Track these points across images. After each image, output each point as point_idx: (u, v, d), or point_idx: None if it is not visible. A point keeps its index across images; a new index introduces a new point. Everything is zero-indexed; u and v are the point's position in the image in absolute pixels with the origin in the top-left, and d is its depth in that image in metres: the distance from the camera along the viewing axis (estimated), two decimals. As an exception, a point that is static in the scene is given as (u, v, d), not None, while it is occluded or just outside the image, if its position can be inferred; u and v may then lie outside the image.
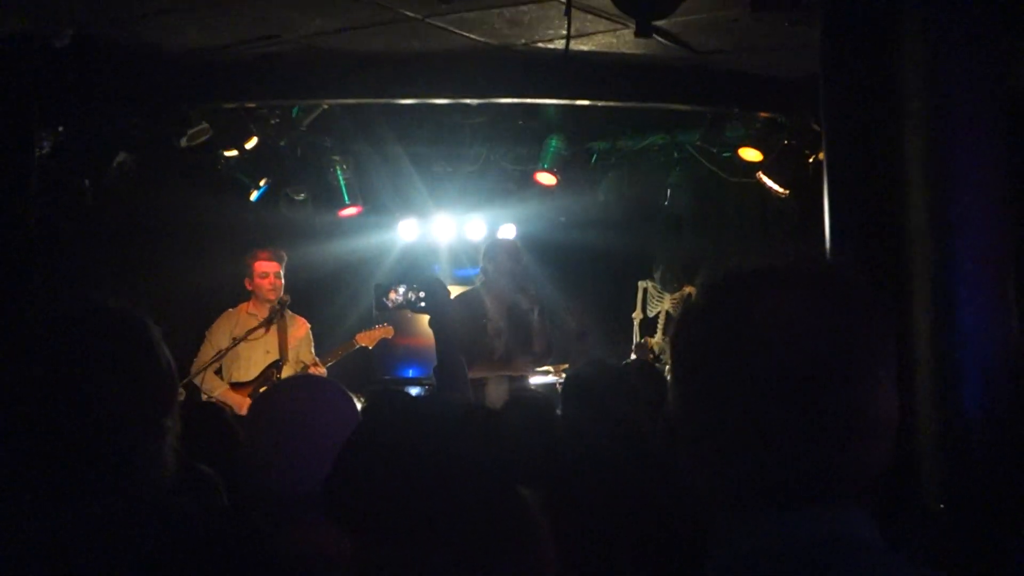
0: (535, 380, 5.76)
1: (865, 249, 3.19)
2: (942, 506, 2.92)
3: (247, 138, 6.21)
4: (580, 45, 5.10)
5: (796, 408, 1.04)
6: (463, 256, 7.86)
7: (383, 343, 6.24)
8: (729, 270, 1.13)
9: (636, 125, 6.85)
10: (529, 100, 5.99)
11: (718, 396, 1.08)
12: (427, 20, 4.79)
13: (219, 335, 5.91)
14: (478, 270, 5.82)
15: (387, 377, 7.46)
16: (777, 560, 1.03)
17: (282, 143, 6.54)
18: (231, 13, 4.65)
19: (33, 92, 4.79)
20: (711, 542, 1.09)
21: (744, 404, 1.05)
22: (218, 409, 3.90)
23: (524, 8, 4.65)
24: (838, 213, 3.31)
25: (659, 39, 4.90)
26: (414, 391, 6.72)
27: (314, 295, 6.77)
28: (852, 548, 1.03)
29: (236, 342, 5.76)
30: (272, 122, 6.24)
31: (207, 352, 5.88)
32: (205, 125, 5.86)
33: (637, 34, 4.31)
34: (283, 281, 5.96)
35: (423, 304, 3.01)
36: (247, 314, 5.96)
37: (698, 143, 6.71)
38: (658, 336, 6.95)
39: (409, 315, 4.71)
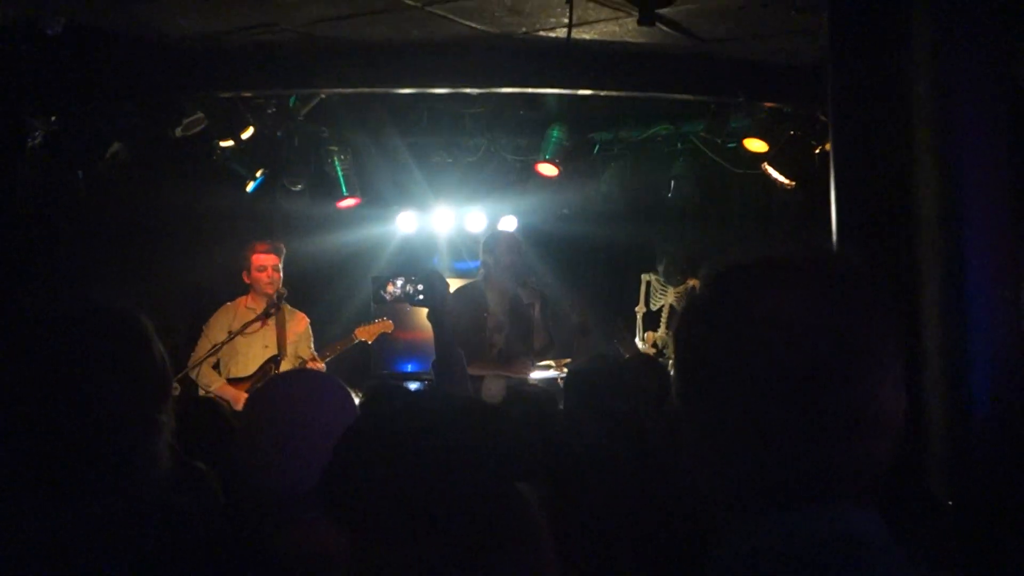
0: (536, 375, 5.72)
1: (872, 241, 3.24)
2: (950, 503, 2.91)
3: (243, 128, 6.17)
4: (582, 33, 5.08)
5: (798, 406, 1.03)
6: (463, 249, 7.82)
7: (382, 337, 6.19)
8: (732, 263, 1.12)
9: (639, 115, 6.81)
10: (530, 89, 5.96)
11: (719, 393, 1.07)
12: (426, 8, 4.79)
13: (216, 329, 5.86)
14: (478, 263, 5.79)
15: (386, 372, 7.42)
16: (778, 559, 1.03)
17: (279, 133, 6.49)
18: (227, 0, 4.61)
19: (25, 81, 4.75)
20: (712, 541, 1.09)
21: (746, 401, 1.05)
22: (214, 404, 3.87)
23: (525, -5, 4.64)
24: (845, 205, 3.33)
25: (662, 27, 4.88)
26: (413, 386, 6.68)
27: (311, 288, 6.75)
28: (854, 547, 1.03)
29: (232, 336, 5.72)
30: (269, 112, 6.18)
31: (204, 347, 5.83)
32: (200, 115, 5.81)
33: (640, 22, 4.34)
34: (281, 274, 5.91)
35: (421, 297, 2.99)
36: (245, 308, 5.91)
37: (702, 133, 6.67)
38: (661, 330, 6.91)
39: (408, 309, 4.66)
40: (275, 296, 5.83)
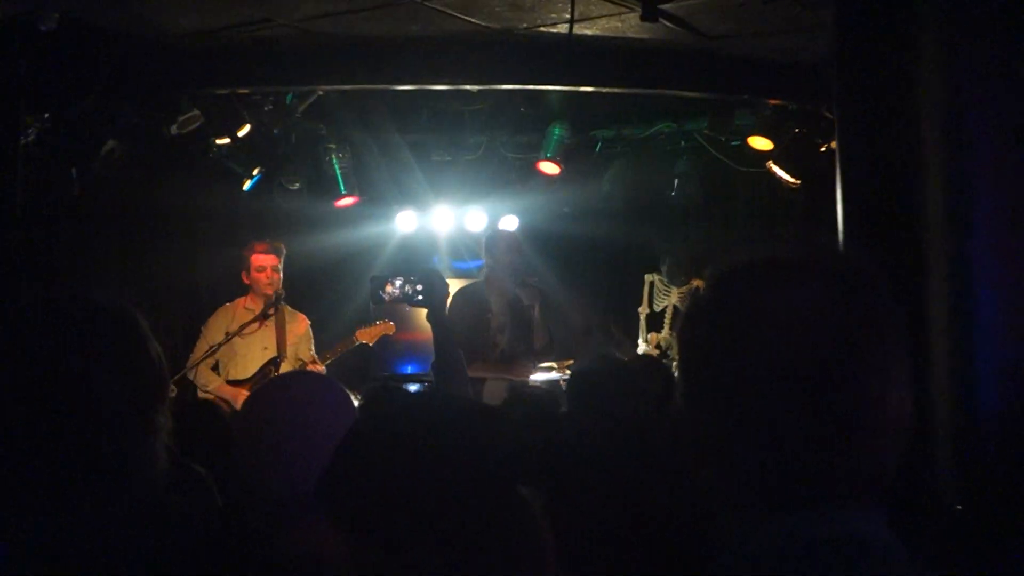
0: (539, 377, 5.69)
1: (879, 241, 3.23)
2: (959, 507, 2.88)
3: (240, 125, 6.14)
4: (584, 29, 5.05)
5: (803, 407, 1.03)
6: (463, 248, 7.81)
7: (382, 339, 6.14)
8: (736, 263, 1.12)
9: (642, 113, 6.80)
10: (531, 86, 5.93)
11: (724, 394, 1.07)
12: (425, 3, 4.76)
13: (214, 330, 5.84)
14: (479, 263, 5.77)
15: (386, 374, 7.40)
16: (782, 561, 1.02)
17: (276, 131, 6.45)
18: (223, -5, 4.60)
19: (18, 78, 4.70)
20: (715, 543, 1.09)
21: (750, 403, 1.05)
22: (213, 407, 3.84)
23: (526, -10, 4.61)
24: (851, 204, 3.31)
25: (665, 23, 4.86)
26: (413, 388, 6.65)
27: (309, 288, 6.74)
28: (858, 549, 1.03)
29: (229, 337, 5.68)
30: (265, 109, 6.15)
31: (201, 348, 5.81)
32: (196, 112, 5.78)
33: (643, 18, 4.34)
34: (281, 275, 5.87)
35: (420, 298, 2.96)
36: (244, 309, 5.89)
37: (706, 131, 6.66)
38: (665, 331, 6.88)
39: (408, 309, 4.63)
40: (273, 296, 5.80)
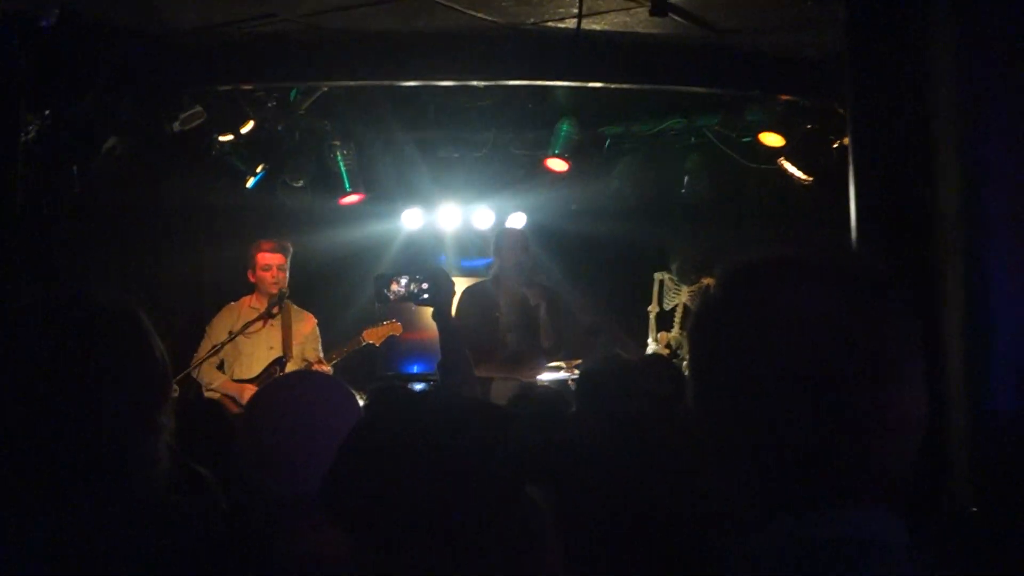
0: (547, 376, 5.66)
1: (892, 239, 3.26)
2: (975, 508, 2.87)
3: (243, 122, 6.10)
4: (592, 24, 5.03)
5: (815, 408, 1.03)
6: (470, 246, 7.81)
7: (388, 338, 6.11)
8: (747, 262, 1.12)
9: (651, 109, 6.76)
10: (539, 82, 5.90)
11: (735, 394, 1.07)
12: (432, -3, 4.71)
13: (219, 329, 5.84)
14: (486, 261, 5.75)
15: (391, 374, 7.38)
16: (792, 563, 1.02)
17: (280, 127, 6.45)
18: (226, -11, 4.59)
19: (18, 74, 4.69)
20: (723, 544, 1.11)
21: (761, 403, 1.05)
22: (217, 406, 3.80)
23: (534, -15, 4.60)
24: (864, 201, 3.36)
25: (675, 18, 4.83)
26: (418, 387, 6.64)
27: (314, 286, 6.73)
28: (870, 550, 1.02)
29: (233, 336, 5.66)
30: (269, 105, 6.12)
31: (206, 347, 5.79)
32: (199, 108, 5.75)
33: (652, 12, 4.33)
34: (287, 274, 5.85)
35: (426, 296, 2.93)
36: (249, 308, 5.87)
37: (716, 128, 6.64)
38: (675, 330, 6.85)
39: (414, 308, 4.62)
40: (277, 295, 5.77)
